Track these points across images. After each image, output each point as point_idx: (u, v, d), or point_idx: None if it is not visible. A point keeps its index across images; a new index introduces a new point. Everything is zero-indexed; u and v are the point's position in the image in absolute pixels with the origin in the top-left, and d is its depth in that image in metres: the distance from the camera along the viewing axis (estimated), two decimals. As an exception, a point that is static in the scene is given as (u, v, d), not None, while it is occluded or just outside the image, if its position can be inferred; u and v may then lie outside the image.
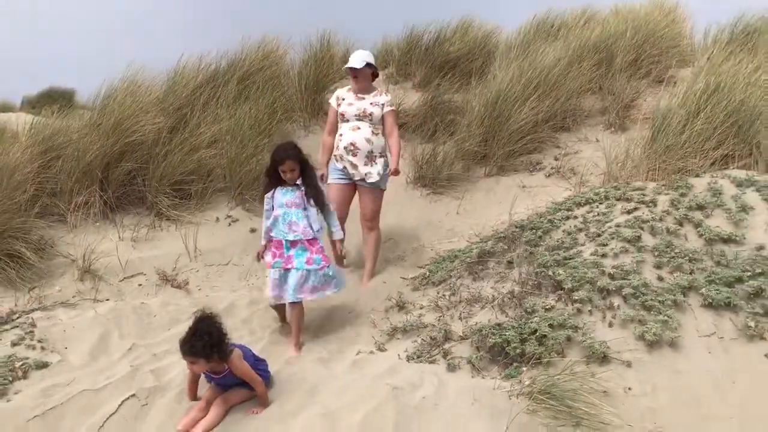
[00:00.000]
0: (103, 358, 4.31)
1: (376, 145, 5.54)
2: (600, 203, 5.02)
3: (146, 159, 6.88)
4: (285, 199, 4.61)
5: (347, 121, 5.59)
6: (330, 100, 5.82)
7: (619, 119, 7.63)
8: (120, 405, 3.80)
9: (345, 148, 5.54)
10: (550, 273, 4.26)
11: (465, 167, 7.52)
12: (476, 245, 5.42)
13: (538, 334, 3.78)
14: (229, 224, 6.59)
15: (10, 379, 4.07)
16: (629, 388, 3.49)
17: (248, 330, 4.84)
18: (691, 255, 4.19)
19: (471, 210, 6.98)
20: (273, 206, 4.66)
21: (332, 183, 5.64)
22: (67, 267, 5.87)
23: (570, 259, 4.39)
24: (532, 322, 3.88)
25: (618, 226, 4.56)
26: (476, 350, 3.95)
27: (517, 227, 5.25)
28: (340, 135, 5.59)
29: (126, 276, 5.82)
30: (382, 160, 5.57)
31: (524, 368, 3.68)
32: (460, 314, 4.37)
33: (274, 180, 4.66)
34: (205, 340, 3.53)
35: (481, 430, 3.24)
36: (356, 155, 5.50)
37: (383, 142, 5.62)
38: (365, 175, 5.52)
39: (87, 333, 4.57)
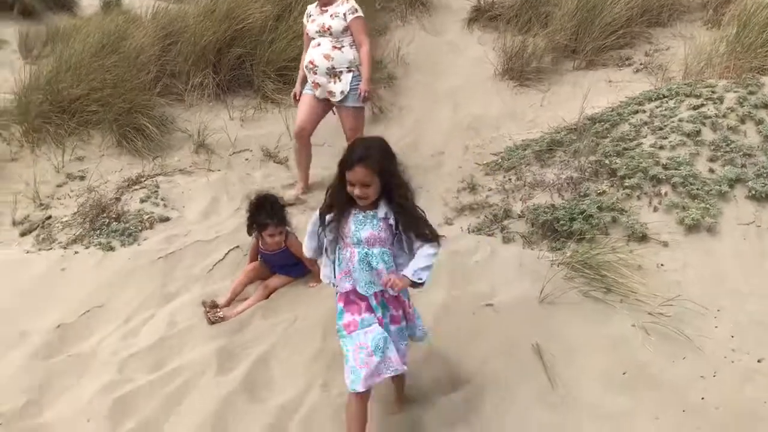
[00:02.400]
0: (214, 217, 5.12)
1: (339, 60, 5.15)
2: (670, 99, 5.21)
3: (254, 45, 7.49)
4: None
5: (312, 38, 5.31)
6: (303, 20, 5.53)
7: (716, 15, 7.47)
8: (226, 254, 4.60)
9: (306, 67, 5.32)
10: (607, 161, 4.61)
11: (554, 60, 7.67)
12: (548, 135, 5.76)
13: (585, 213, 4.20)
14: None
15: (140, 228, 4.97)
16: (661, 264, 3.89)
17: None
18: (745, 150, 4.41)
19: (555, 103, 7.20)
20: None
21: (303, 93, 5.47)
22: (184, 141, 6.69)
23: (629, 149, 4.70)
24: (582, 204, 4.30)
25: (681, 120, 4.79)
26: (530, 226, 4.43)
27: (588, 120, 5.53)
28: (305, 54, 5.38)
29: (235, 151, 6.58)
30: (349, 75, 5.19)
31: (569, 243, 4.14)
32: (522, 196, 4.83)
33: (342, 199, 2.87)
34: (278, 209, 4.09)
35: (521, 288, 3.78)
36: (316, 73, 5.21)
37: (351, 56, 5.21)
38: (329, 94, 5.25)
39: (201, 196, 5.40)
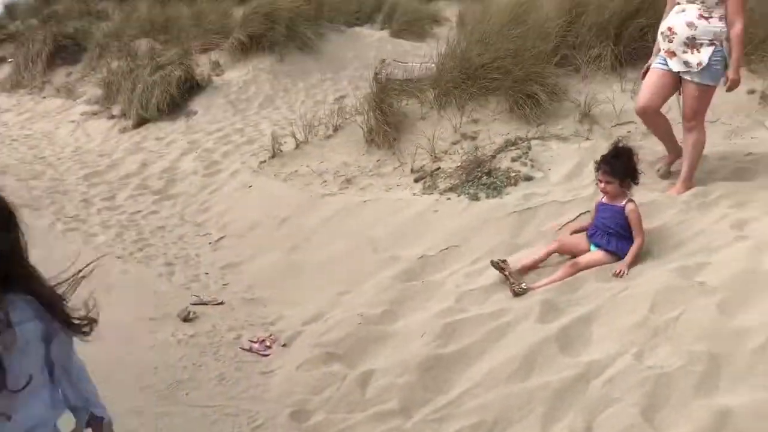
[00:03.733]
0: (575, 181, 5.23)
1: (703, 31, 4.58)
2: None
3: (660, 15, 7.19)
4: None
5: (677, 3, 4.74)
6: None
7: None
8: (578, 216, 4.69)
9: (662, 33, 4.78)
10: None
11: None
12: None
13: None
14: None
15: (506, 183, 5.35)
16: None
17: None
18: None
19: None
20: None
21: (652, 67, 4.93)
22: (571, 110, 6.84)
23: None
24: None
25: None
26: None
27: None
28: (665, 19, 4.85)
29: (618, 123, 6.50)
30: (710, 48, 4.59)
31: None
32: None
33: None
34: (627, 164, 4.01)
35: None
36: (672, 41, 4.68)
37: (719, 29, 4.58)
38: (684, 64, 4.67)
39: (568, 160, 5.54)
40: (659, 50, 4.92)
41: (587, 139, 6.21)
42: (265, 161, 7.78)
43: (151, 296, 5.02)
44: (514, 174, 5.44)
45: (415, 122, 7.38)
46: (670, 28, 4.72)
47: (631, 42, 7.27)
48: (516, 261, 4.29)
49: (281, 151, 7.82)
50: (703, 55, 4.59)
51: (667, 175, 5.15)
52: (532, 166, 5.56)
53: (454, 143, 6.80)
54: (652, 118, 5.07)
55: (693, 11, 4.62)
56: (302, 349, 4.08)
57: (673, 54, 4.73)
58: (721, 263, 3.77)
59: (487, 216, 4.98)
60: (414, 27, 14.71)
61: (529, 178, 5.38)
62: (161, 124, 10.22)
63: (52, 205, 7.34)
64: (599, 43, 7.36)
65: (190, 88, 10.92)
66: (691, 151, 4.87)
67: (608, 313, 3.68)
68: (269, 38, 12.08)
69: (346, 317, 4.24)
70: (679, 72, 4.74)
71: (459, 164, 6.09)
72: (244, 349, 4.22)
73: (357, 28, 14.66)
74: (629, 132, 6.33)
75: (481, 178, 5.55)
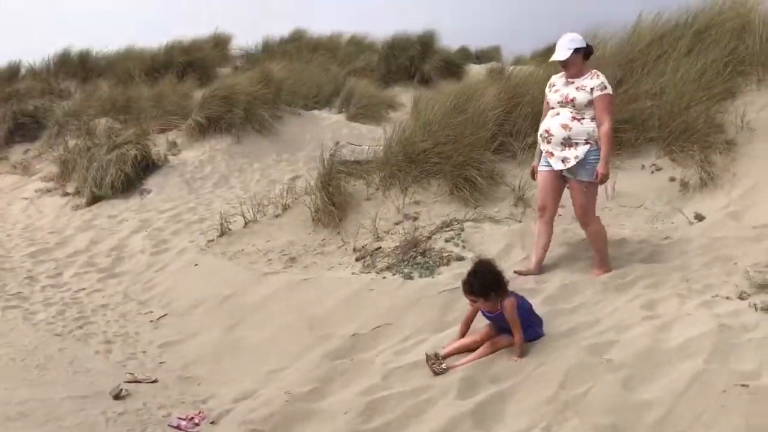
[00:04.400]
0: (503, 261, 5.44)
1: (577, 132, 4.98)
2: None
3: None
4: None
5: (552, 108, 5.17)
6: (545, 89, 5.41)
7: None
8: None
9: (540, 135, 5.20)
10: None
11: None
12: None
13: None
14: (652, 172, 6.99)
15: (438, 263, 5.57)
16: None
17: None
18: None
19: None
20: None
21: (539, 170, 5.31)
22: (507, 194, 7.19)
23: None
24: None
25: None
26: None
27: None
28: (542, 122, 5.27)
29: (550, 206, 6.83)
30: (585, 147, 4.97)
31: None
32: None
33: None
34: (483, 281, 4.11)
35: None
36: (550, 142, 5.09)
37: (591, 129, 4.99)
38: (562, 161, 5.04)
39: (498, 242, 5.82)
40: (541, 152, 5.30)
41: (519, 221, 6.51)
42: (213, 240, 7.91)
43: (84, 374, 5.02)
44: (446, 254, 5.68)
45: (361, 203, 7.64)
46: (547, 131, 5.13)
47: (563, 130, 7.71)
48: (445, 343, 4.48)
49: (230, 229, 7.97)
50: (579, 151, 4.97)
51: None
52: (464, 247, 5.80)
53: (397, 223, 7.05)
54: (548, 220, 5.31)
55: (566, 114, 5.03)
56: (230, 426, 4.14)
57: (551, 154, 5.11)
58: (628, 341, 3.99)
59: (419, 294, 5.17)
60: (370, 111, 15.23)
61: (460, 259, 5.61)
62: (114, 202, 10.32)
63: (-6, 282, 7.32)
64: (534, 131, 7.74)
65: (146, 167, 11.10)
66: (595, 243, 5.20)
67: (522, 389, 3.84)
68: (227, 120, 12.43)
69: (275, 395, 4.32)
70: (561, 171, 5.09)
71: (398, 244, 6.30)
72: (172, 426, 4.24)
73: (315, 112, 15.13)
74: (560, 215, 6.66)
75: (416, 257, 5.77)
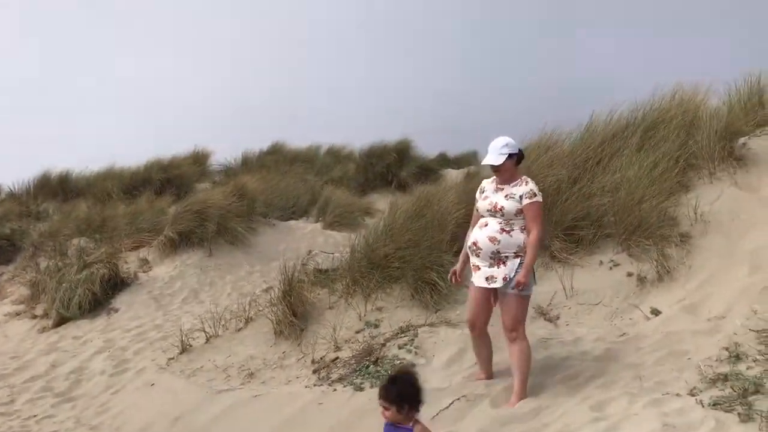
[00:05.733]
0: (455, 366, 5.33)
1: (506, 244, 4.74)
2: None
3: (545, 206, 7.73)
4: None
5: (481, 216, 4.95)
6: (476, 193, 5.20)
7: None
8: (450, 403, 4.73)
9: (469, 248, 4.95)
10: None
11: None
12: None
13: None
14: (610, 268, 6.95)
15: (389, 372, 5.40)
16: None
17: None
18: None
19: None
20: None
21: (471, 281, 5.03)
22: (467, 296, 7.09)
23: None
24: None
25: None
26: None
27: None
28: (470, 232, 5.03)
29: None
30: (516, 260, 4.74)
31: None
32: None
33: None
34: (401, 390, 3.88)
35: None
36: (478, 255, 4.82)
37: (521, 241, 4.77)
38: (486, 279, 4.80)
39: (451, 346, 5.68)
40: (466, 258, 5.08)
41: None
42: (173, 358, 7.71)
43: None
44: (398, 362, 5.53)
45: (323, 312, 7.52)
46: (474, 243, 4.86)
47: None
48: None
49: (191, 346, 7.79)
50: (509, 268, 4.71)
51: None
52: (416, 353, 5.66)
53: (358, 332, 6.91)
54: (479, 333, 5.06)
55: (494, 225, 4.79)
56: None
57: (477, 268, 4.85)
58: (573, 447, 3.81)
59: (367, 407, 4.98)
60: (346, 219, 15.31)
61: (412, 365, 5.45)
62: (81, 323, 10.13)
63: (-58, 411, 7.05)
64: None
65: (115, 285, 10.99)
66: (518, 362, 4.80)
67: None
68: (199, 234, 12.43)
69: None
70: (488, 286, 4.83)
71: (353, 354, 6.15)
72: None
73: (291, 222, 15.21)
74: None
75: (368, 367, 5.62)
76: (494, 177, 5.01)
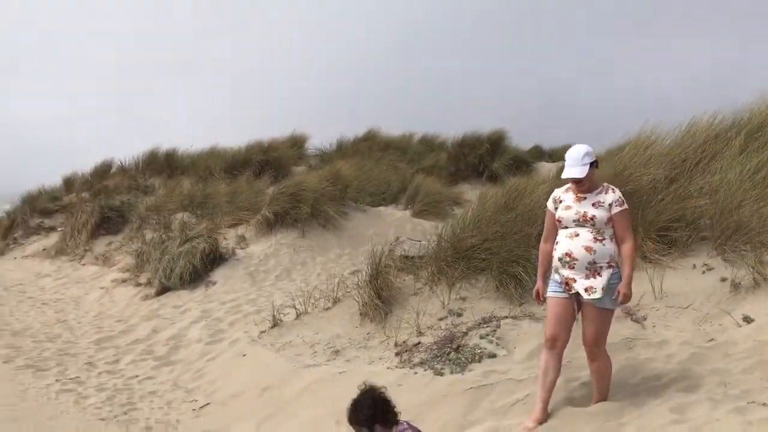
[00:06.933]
0: (536, 360, 5.35)
1: (601, 254, 4.50)
2: None
3: (639, 206, 7.60)
4: None
5: (565, 227, 4.64)
6: (548, 203, 4.92)
7: None
8: (527, 395, 4.80)
9: (560, 259, 4.59)
10: None
11: None
12: None
13: None
14: (703, 272, 6.76)
15: (470, 360, 5.53)
16: None
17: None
18: None
19: None
20: None
21: (549, 296, 4.70)
22: (553, 291, 7.09)
23: None
24: None
25: None
26: None
27: None
28: (557, 243, 4.69)
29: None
30: (609, 271, 4.50)
31: None
32: None
33: None
34: (366, 413, 3.90)
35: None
36: (573, 267, 4.52)
37: (613, 251, 4.54)
38: (585, 290, 4.49)
39: (533, 339, 5.71)
40: (545, 273, 4.82)
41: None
42: (265, 331, 8.11)
43: (118, 458, 5.18)
44: (479, 351, 5.63)
45: (408, 297, 7.70)
46: (568, 254, 4.54)
47: (613, 228, 7.63)
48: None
49: (281, 321, 8.17)
50: (604, 279, 4.48)
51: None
52: (497, 344, 5.74)
53: (441, 319, 7.05)
54: (558, 353, 4.66)
55: (587, 235, 4.53)
56: None
57: (573, 280, 4.53)
58: (650, 447, 3.82)
59: (446, 391, 5.13)
60: (435, 208, 15.43)
61: (492, 356, 5.55)
62: (181, 293, 10.77)
63: (57, 366, 7.72)
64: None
65: (214, 259, 11.59)
66: (599, 380, 4.62)
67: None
68: (293, 215, 12.90)
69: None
70: (579, 298, 4.56)
71: (436, 340, 6.30)
72: None
73: (381, 208, 15.48)
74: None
75: (449, 353, 5.75)
76: (568, 186, 4.76)
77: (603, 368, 4.60)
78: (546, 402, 4.66)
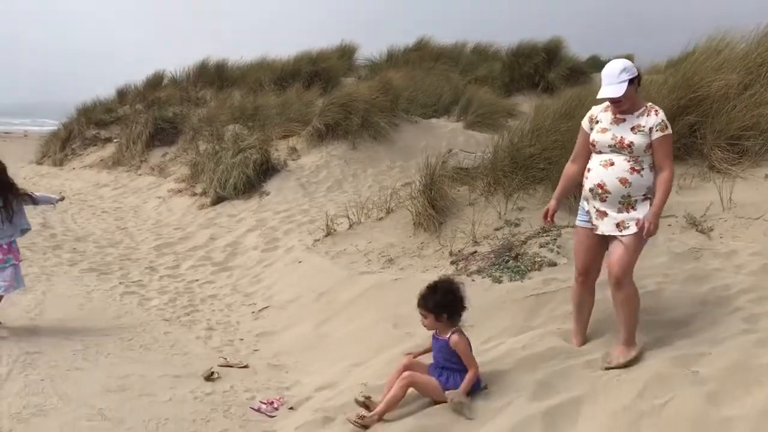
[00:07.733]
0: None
1: (637, 186, 3.99)
2: None
3: (710, 113, 7.24)
4: None
5: (599, 152, 4.12)
6: (582, 122, 4.34)
7: None
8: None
9: (591, 190, 4.10)
10: None
11: None
12: None
13: None
14: (776, 181, 6.47)
15: (530, 268, 5.45)
16: None
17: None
18: None
19: None
20: None
21: (577, 225, 4.31)
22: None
23: None
24: None
25: None
26: None
27: None
28: (588, 170, 4.18)
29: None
30: (645, 204, 4.01)
31: None
32: None
33: None
34: (440, 299, 3.84)
35: None
36: (605, 200, 4.03)
37: (651, 182, 4.03)
38: (617, 226, 4.01)
39: (594, 248, 5.57)
40: (561, 193, 4.53)
41: (624, 229, 6.22)
42: (319, 240, 8.16)
43: (182, 356, 5.34)
44: (539, 259, 5.53)
45: (463, 208, 7.60)
46: (601, 186, 4.05)
47: (680, 138, 7.30)
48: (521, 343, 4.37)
49: (335, 230, 8.20)
50: (639, 213, 4.00)
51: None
52: (558, 253, 5.63)
53: (497, 229, 6.95)
54: (590, 286, 4.34)
55: (623, 164, 4.02)
56: (306, 412, 4.26)
57: (604, 213, 4.07)
58: (720, 354, 3.73)
59: (505, 298, 5.08)
60: (488, 120, 15.10)
61: (553, 264, 5.45)
62: (235, 202, 10.90)
63: (120, 270, 7.96)
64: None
65: (266, 170, 11.64)
66: (625, 310, 4.07)
67: (597, 396, 3.69)
68: (344, 127, 12.78)
69: (352, 386, 4.40)
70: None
71: (493, 249, 6.22)
72: (253, 408, 4.43)
73: (432, 120, 15.21)
74: (669, 225, 6.31)
75: (508, 261, 5.67)
76: (607, 104, 4.16)
77: (627, 299, 4.06)
78: (583, 334, 4.40)
